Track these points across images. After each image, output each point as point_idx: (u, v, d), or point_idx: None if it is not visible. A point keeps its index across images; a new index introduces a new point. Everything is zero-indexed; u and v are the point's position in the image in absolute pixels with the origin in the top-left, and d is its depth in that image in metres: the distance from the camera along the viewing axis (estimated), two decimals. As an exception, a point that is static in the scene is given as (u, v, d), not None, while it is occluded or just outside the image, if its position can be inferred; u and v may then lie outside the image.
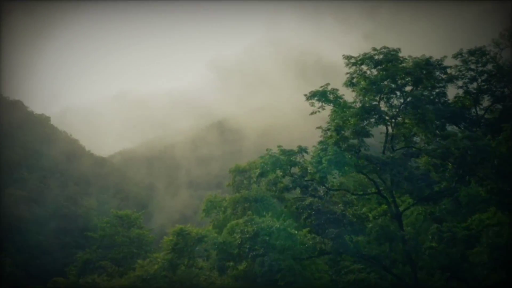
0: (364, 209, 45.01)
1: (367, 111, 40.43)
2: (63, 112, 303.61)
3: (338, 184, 43.18)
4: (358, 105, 41.93)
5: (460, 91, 70.97)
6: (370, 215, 44.11)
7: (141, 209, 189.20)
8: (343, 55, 44.36)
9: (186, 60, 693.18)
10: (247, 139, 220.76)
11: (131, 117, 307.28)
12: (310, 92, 43.85)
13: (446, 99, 58.93)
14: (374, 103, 42.32)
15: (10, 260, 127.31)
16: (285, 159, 42.41)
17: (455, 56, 68.23)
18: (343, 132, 40.16)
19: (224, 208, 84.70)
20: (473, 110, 71.42)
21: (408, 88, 45.21)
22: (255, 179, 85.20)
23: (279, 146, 44.35)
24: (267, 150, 43.80)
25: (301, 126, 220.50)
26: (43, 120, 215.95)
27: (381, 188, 42.61)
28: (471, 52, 70.19)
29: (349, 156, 38.91)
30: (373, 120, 40.84)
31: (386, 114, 42.00)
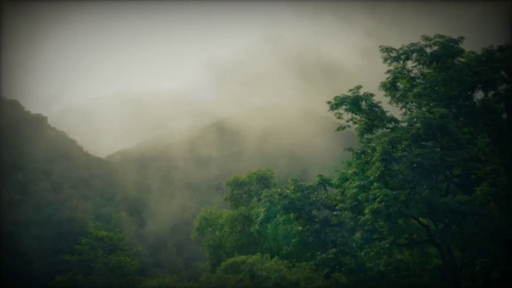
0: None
1: (432, 130, 25.83)
2: (62, 111, 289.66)
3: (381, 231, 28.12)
4: (409, 120, 27.37)
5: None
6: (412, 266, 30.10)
7: (138, 212, 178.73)
8: (380, 46, 30.52)
9: (185, 59, 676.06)
10: (247, 139, 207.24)
11: (130, 117, 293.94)
12: (335, 99, 29.91)
13: (473, 102, 45.87)
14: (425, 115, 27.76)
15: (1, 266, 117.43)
16: (302, 199, 28.24)
17: (483, 54, 55.33)
18: (393, 163, 25.78)
19: (220, 225, 71.04)
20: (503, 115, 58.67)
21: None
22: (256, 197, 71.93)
23: (293, 181, 30.17)
24: (274, 190, 29.68)
25: (302, 126, 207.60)
26: (40, 120, 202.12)
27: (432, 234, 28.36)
28: (502, 49, 56.95)
29: (403, 199, 24.42)
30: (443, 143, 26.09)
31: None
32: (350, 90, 29.76)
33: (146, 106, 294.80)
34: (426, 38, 30.30)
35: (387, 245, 26.21)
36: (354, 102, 29.58)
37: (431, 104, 28.24)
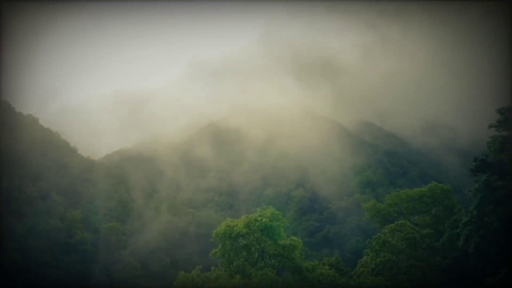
0: None
1: None
2: (59, 111, 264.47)
3: None
4: None
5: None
6: None
7: (131, 219, 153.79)
8: None
9: (181, 60, 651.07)
10: (246, 141, 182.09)
11: (127, 117, 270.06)
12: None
13: None
14: None
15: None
16: None
17: None
18: None
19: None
20: None
21: None
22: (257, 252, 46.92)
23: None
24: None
25: (302, 127, 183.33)
26: (31, 122, 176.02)
27: None
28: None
29: None
30: None
31: None
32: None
33: (142, 106, 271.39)
34: None
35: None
36: None
37: None
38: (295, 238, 47.58)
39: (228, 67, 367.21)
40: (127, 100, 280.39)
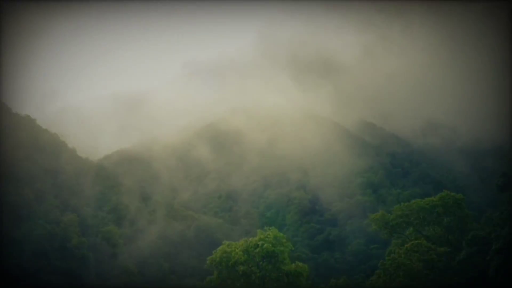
0: None
1: None
2: (59, 112, 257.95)
3: None
4: None
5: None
6: None
7: (129, 223, 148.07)
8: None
9: (180, 60, 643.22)
10: (246, 143, 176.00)
11: (126, 117, 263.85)
12: None
13: None
14: None
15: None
16: None
17: None
18: None
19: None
20: None
21: None
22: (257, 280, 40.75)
23: None
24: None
25: (302, 127, 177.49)
26: (28, 122, 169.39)
27: None
28: None
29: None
30: None
31: None
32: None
33: (141, 107, 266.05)
34: None
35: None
36: None
37: None
38: (300, 264, 41.57)
39: (227, 67, 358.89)
40: (125, 101, 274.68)
